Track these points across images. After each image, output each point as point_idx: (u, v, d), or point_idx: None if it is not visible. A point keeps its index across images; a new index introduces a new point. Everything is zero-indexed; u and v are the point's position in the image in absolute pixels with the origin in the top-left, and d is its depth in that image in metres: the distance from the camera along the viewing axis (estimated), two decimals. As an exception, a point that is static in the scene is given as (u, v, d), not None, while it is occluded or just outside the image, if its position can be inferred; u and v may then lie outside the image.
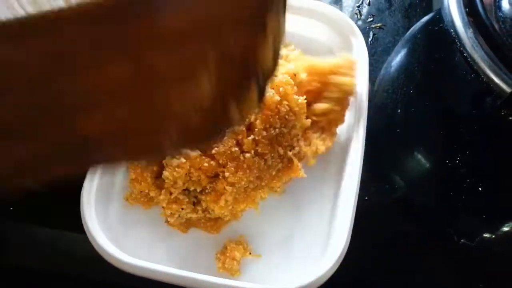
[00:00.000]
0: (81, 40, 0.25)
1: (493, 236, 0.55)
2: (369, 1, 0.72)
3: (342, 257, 0.45)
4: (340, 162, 0.53)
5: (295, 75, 0.52)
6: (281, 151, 0.50)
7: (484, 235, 0.54)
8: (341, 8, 0.72)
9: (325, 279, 0.44)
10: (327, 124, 0.53)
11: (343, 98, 0.53)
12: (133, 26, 0.25)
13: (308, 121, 0.52)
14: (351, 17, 0.71)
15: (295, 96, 0.50)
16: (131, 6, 0.25)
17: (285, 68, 0.52)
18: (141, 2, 0.25)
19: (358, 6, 0.72)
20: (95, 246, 0.46)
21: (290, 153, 0.50)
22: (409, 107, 0.58)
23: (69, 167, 0.29)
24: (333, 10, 0.59)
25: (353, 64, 0.53)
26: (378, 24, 0.70)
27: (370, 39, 0.69)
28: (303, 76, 0.52)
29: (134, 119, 0.28)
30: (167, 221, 0.51)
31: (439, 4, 0.49)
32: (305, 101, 0.51)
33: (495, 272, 0.54)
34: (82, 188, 0.48)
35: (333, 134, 0.53)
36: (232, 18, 0.28)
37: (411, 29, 0.63)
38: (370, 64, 0.65)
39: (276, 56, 0.33)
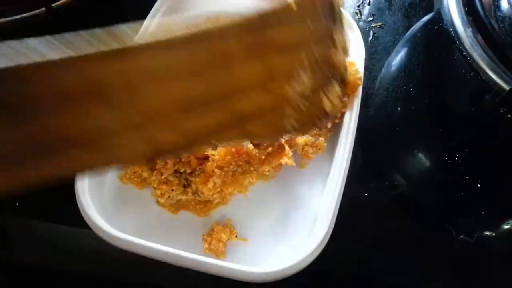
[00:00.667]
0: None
1: (492, 233, 0.55)
2: (370, 1, 0.73)
3: (325, 242, 0.46)
4: (330, 151, 0.54)
5: None
6: None
7: (483, 231, 0.55)
8: (343, 8, 0.73)
9: (306, 263, 0.45)
10: None
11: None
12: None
13: None
14: (352, 17, 0.71)
15: None
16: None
17: None
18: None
19: (359, 6, 0.72)
20: (87, 221, 0.47)
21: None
22: (409, 105, 0.58)
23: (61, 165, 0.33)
24: None
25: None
26: (378, 24, 0.71)
27: (370, 38, 0.69)
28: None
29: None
30: (158, 202, 0.52)
31: (440, 4, 0.50)
32: None
33: (494, 268, 0.54)
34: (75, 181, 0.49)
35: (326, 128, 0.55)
36: (313, 38, 0.40)
37: (412, 28, 0.64)
38: (370, 63, 0.65)
39: (346, 61, 0.45)
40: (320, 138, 0.55)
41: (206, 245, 0.49)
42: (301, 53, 0.40)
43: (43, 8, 0.60)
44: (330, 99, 0.45)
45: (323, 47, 0.43)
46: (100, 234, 0.46)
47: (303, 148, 0.54)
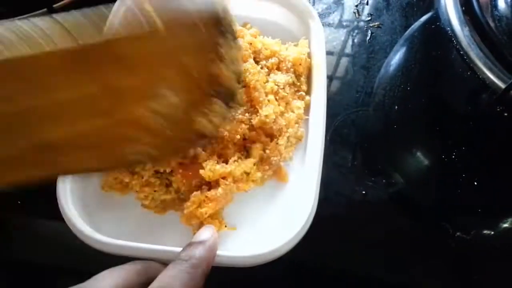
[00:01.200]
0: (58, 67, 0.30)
1: (488, 230, 0.56)
2: (368, 1, 0.73)
3: (306, 228, 0.47)
4: (304, 139, 0.56)
5: (251, 43, 0.57)
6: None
7: (479, 228, 0.55)
8: (342, 8, 0.73)
9: (288, 247, 0.46)
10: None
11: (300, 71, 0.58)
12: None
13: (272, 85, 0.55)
14: (350, 16, 0.72)
15: (251, 61, 0.56)
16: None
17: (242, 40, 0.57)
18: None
19: (357, 6, 0.73)
20: (76, 233, 0.47)
21: (276, 159, 0.53)
22: (406, 103, 0.59)
23: (39, 172, 0.32)
24: None
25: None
26: (376, 23, 0.71)
27: (368, 38, 0.70)
28: (258, 45, 0.57)
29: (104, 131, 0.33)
30: (143, 205, 0.52)
31: (437, 2, 0.50)
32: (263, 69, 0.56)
33: (490, 265, 0.54)
34: (57, 181, 0.49)
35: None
36: (189, 47, 0.35)
37: (410, 28, 0.64)
38: (368, 63, 0.66)
39: (238, 77, 0.41)
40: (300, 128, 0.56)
41: None
42: (164, 70, 0.35)
43: (45, 9, 0.60)
44: (208, 119, 0.39)
45: (202, 62, 0.38)
46: (88, 242, 0.47)
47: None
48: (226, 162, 0.52)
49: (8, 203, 0.57)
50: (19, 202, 0.56)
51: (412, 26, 0.63)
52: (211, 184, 0.50)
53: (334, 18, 0.72)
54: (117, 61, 0.32)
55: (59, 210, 0.48)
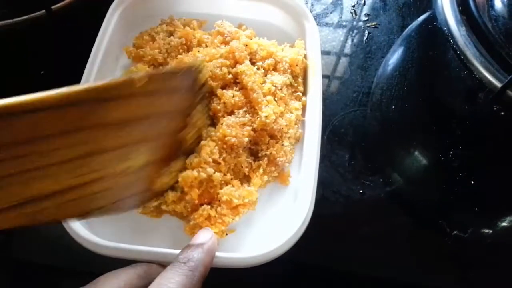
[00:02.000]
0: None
1: (485, 228, 0.56)
2: (364, 1, 0.74)
3: (303, 228, 0.48)
4: (301, 139, 0.56)
5: (246, 45, 0.58)
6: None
7: (476, 227, 0.55)
8: (341, 9, 0.74)
9: (286, 248, 0.47)
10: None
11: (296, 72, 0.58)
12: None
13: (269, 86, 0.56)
14: (347, 16, 0.72)
15: (247, 62, 0.56)
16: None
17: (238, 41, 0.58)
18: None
19: (354, 6, 0.73)
20: (73, 235, 0.47)
21: (282, 159, 0.53)
22: (404, 103, 0.59)
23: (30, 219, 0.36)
24: None
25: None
26: (373, 23, 0.71)
27: (365, 38, 0.70)
28: (254, 46, 0.58)
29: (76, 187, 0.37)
30: (137, 211, 0.52)
31: (433, 1, 0.51)
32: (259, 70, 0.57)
33: (487, 263, 0.55)
34: None
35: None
36: (167, 112, 0.41)
37: (408, 28, 0.64)
38: (365, 63, 0.66)
39: (199, 137, 0.49)
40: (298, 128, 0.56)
41: None
42: (138, 129, 0.39)
43: (43, 11, 0.60)
44: (160, 176, 0.45)
45: (173, 122, 0.44)
46: (85, 245, 0.47)
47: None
48: (239, 172, 0.52)
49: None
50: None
51: (410, 26, 0.64)
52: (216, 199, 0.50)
53: (332, 18, 0.72)
54: (106, 124, 0.36)
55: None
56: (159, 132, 0.42)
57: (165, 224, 0.52)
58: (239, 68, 0.55)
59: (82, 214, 0.40)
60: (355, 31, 0.71)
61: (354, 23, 0.71)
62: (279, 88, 0.55)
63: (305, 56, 0.59)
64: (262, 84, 0.55)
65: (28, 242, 0.56)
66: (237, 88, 0.55)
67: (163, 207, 0.50)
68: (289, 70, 0.57)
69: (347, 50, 0.69)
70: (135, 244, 0.46)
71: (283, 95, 0.56)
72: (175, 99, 0.42)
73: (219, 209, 0.49)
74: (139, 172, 0.41)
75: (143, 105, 0.39)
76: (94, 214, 0.41)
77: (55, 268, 0.55)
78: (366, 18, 0.72)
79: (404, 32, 0.65)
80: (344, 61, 0.68)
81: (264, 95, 0.54)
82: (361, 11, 0.73)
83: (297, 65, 0.58)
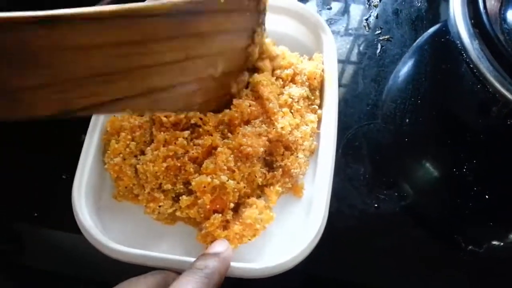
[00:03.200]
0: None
1: (501, 243, 0.56)
2: (377, 14, 0.74)
3: (316, 241, 0.48)
4: (315, 152, 0.57)
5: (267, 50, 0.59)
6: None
7: (492, 242, 0.55)
8: (348, 19, 0.74)
9: (298, 260, 0.47)
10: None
11: (314, 85, 0.59)
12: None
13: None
14: (360, 29, 0.72)
15: (266, 73, 0.57)
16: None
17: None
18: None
19: (367, 19, 0.74)
20: (92, 242, 0.48)
21: (296, 171, 0.53)
22: (417, 116, 0.59)
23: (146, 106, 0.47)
24: (303, 7, 0.63)
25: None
26: (386, 36, 0.72)
27: (378, 51, 0.70)
28: (278, 51, 0.60)
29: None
30: (152, 217, 0.53)
31: (446, 15, 0.51)
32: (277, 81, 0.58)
33: (503, 279, 0.54)
34: (72, 190, 0.51)
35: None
36: (235, 30, 0.49)
37: (418, 39, 0.65)
38: (379, 76, 0.67)
39: (261, 53, 0.56)
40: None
41: None
42: (219, 42, 0.47)
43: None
44: (237, 83, 0.54)
45: (243, 39, 0.51)
46: (100, 248, 0.48)
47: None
48: (252, 182, 0.53)
49: (24, 215, 0.58)
50: (35, 214, 0.57)
51: (420, 38, 0.64)
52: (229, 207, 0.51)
53: (338, 26, 0.73)
54: (196, 35, 0.44)
55: (72, 222, 0.49)
56: (233, 46, 0.51)
57: (178, 231, 0.53)
58: (256, 78, 0.56)
59: (185, 108, 0.51)
60: (368, 44, 0.71)
61: (368, 36, 0.71)
62: (296, 100, 0.56)
63: (322, 69, 0.60)
64: (279, 95, 0.56)
65: (40, 250, 0.57)
66: (253, 98, 0.55)
67: (178, 213, 0.51)
68: (306, 83, 0.58)
69: (354, 58, 0.69)
70: (150, 250, 0.48)
71: (300, 107, 0.57)
72: (245, 18, 0.50)
73: (236, 226, 0.49)
74: (221, 78, 0.50)
75: (222, 21, 0.46)
76: (193, 109, 0.52)
77: (67, 277, 0.56)
78: (379, 31, 0.72)
79: (414, 43, 0.65)
80: (357, 73, 0.68)
81: (280, 106, 0.56)
82: (370, 23, 0.73)
83: (315, 78, 0.59)
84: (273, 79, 0.58)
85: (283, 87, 0.58)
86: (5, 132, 0.61)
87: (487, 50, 0.46)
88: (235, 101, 0.54)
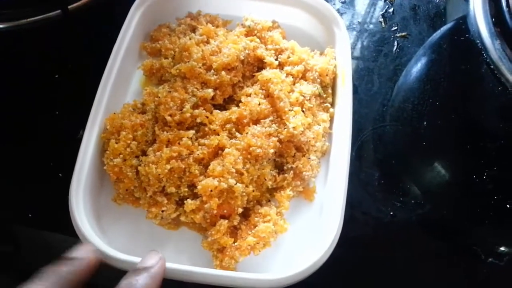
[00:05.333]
0: None
1: (523, 256, 0.54)
2: (393, 10, 0.72)
3: (331, 250, 0.47)
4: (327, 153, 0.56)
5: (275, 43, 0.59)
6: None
7: (514, 254, 0.54)
8: (353, 12, 0.72)
9: (314, 269, 0.46)
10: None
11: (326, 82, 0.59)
12: None
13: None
14: (376, 25, 0.71)
15: (275, 70, 0.56)
16: None
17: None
18: None
19: (383, 14, 0.72)
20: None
21: (308, 174, 0.53)
22: (435, 119, 0.59)
23: None
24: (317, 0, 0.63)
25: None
26: (403, 33, 0.70)
27: (394, 49, 0.69)
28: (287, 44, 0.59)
29: None
30: (154, 223, 0.52)
31: (454, 13, 0.49)
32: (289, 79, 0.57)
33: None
34: (69, 194, 0.50)
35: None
36: None
37: (431, 37, 0.63)
38: (395, 74, 0.65)
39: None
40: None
41: (217, 262, 0.49)
42: None
43: (59, 11, 0.61)
44: None
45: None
46: (111, 263, 0.47)
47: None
48: (262, 185, 0.52)
49: (19, 216, 0.58)
50: (29, 215, 0.57)
51: (434, 35, 0.63)
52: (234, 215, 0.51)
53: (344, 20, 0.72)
54: None
55: (68, 223, 0.48)
56: None
57: (181, 236, 0.52)
58: (265, 75, 0.56)
59: None
60: (383, 41, 0.69)
61: (383, 33, 0.69)
62: (308, 98, 0.56)
63: (334, 66, 0.59)
64: (289, 93, 0.56)
65: (37, 254, 0.57)
66: (263, 96, 0.54)
67: (182, 218, 0.51)
68: (318, 80, 0.57)
69: (369, 55, 0.68)
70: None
71: (311, 105, 0.57)
72: None
73: (250, 238, 0.49)
74: None
75: None
76: None
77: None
78: (396, 28, 0.70)
79: (427, 41, 0.64)
80: (371, 71, 0.66)
81: (292, 104, 0.56)
82: (387, 19, 0.71)
83: (327, 75, 0.58)
84: (283, 75, 0.57)
85: (293, 84, 0.58)
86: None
87: (509, 50, 0.45)
88: (243, 99, 0.54)
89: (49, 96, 0.63)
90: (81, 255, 0.41)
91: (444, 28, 0.61)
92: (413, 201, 0.57)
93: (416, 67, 0.64)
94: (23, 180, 0.59)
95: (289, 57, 0.59)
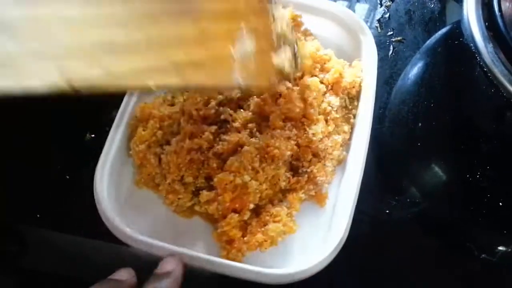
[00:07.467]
0: None
1: (515, 252, 0.56)
2: (389, 15, 0.74)
3: (340, 247, 0.49)
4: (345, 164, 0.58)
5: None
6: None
7: (505, 250, 0.55)
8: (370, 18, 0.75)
9: (323, 266, 0.48)
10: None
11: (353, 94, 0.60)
12: None
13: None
14: (372, 30, 0.72)
15: (315, 78, 0.58)
16: None
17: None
18: None
19: (379, 20, 0.74)
20: (109, 226, 0.51)
21: (322, 179, 0.55)
22: (430, 120, 0.60)
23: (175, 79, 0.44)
24: (342, 9, 0.64)
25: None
26: (399, 38, 0.72)
27: (390, 53, 0.71)
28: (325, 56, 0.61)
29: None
30: (170, 209, 0.56)
31: (453, 17, 0.50)
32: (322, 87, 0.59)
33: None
34: (95, 175, 0.53)
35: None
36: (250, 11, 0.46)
37: (428, 41, 0.65)
38: (391, 78, 0.67)
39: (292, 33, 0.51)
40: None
41: (224, 253, 0.52)
42: (236, 20, 0.46)
43: None
44: (281, 60, 0.50)
45: (263, 19, 0.49)
46: (118, 235, 0.50)
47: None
48: (275, 184, 0.54)
49: (26, 216, 0.59)
50: (38, 215, 0.58)
51: (430, 39, 0.65)
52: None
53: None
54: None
55: (76, 223, 0.50)
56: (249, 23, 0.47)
57: (195, 225, 0.55)
58: (306, 81, 0.58)
59: (224, 84, 0.49)
60: (380, 45, 0.71)
61: (379, 37, 0.71)
62: (335, 109, 0.58)
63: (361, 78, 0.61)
64: (321, 101, 0.59)
65: (42, 252, 0.58)
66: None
67: (196, 207, 0.54)
68: (346, 92, 0.60)
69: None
70: (166, 241, 0.50)
71: (337, 116, 0.59)
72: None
73: (259, 235, 0.51)
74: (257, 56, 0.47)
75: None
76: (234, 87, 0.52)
77: (70, 279, 0.57)
78: (391, 32, 0.72)
79: (424, 45, 0.66)
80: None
81: (319, 113, 0.57)
82: (383, 24, 0.73)
83: (353, 87, 0.60)
84: (320, 85, 0.59)
85: (324, 94, 0.60)
86: (7, 132, 0.63)
87: (502, 54, 0.46)
88: (284, 94, 0.56)
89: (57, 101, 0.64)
90: (171, 267, 0.44)
91: (439, 32, 0.63)
92: (408, 200, 0.59)
93: (412, 70, 0.65)
94: (31, 182, 0.61)
95: (325, 64, 0.60)
